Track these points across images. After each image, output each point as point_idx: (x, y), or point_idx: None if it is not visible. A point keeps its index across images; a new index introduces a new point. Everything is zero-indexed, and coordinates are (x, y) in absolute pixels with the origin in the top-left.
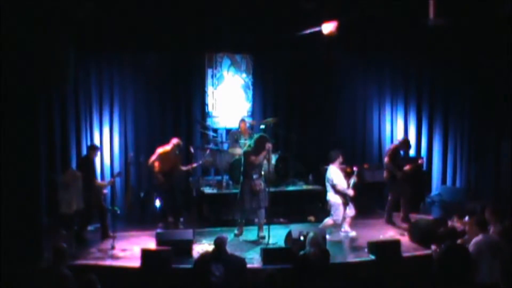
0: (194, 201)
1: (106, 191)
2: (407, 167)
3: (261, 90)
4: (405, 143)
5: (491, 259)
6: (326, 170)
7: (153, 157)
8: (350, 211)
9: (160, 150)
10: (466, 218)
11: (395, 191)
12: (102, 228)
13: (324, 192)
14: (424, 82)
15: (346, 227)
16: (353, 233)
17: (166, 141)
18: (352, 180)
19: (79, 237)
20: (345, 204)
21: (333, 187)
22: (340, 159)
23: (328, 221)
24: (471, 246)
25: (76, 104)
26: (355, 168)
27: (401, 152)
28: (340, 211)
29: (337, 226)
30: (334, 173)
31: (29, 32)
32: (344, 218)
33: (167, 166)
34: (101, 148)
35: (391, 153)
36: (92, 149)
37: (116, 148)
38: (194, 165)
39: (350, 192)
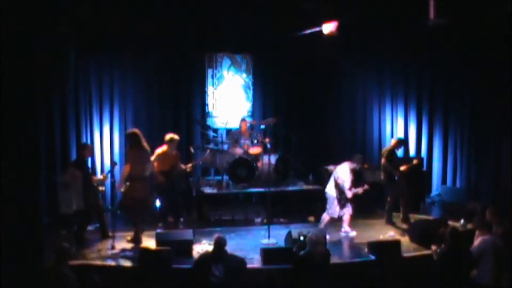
0: (194, 201)
1: (103, 187)
2: (403, 168)
3: (261, 90)
4: (399, 143)
5: (494, 259)
6: (326, 169)
7: (151, 158)
8: (348, 209)
9: (158, 150)
10: (462, 221)
11: (393, 192)
12: (101, 227)
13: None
14: (424, 82)
15: (346, 227)
16: (353, 233)
17: None
18: (357, 190)
19: (79, 237)
20: (340, 202)
21: (336, 179)
22: (358, 165)
23: (325, 217)
24: (477, 244)
25: (76, 104)
26: (366, 186)
27: (399, 153)
28: (335, 205)
29: (334, 222)
30: (344, 170)
31: (29, 32)
32: (340, 217)
33: (166, 166)
34: (101, 148)
35: (388, 154)
36: (84, 148)
37: (117, 148)
38: (194, 162)
39: (349, 193)
